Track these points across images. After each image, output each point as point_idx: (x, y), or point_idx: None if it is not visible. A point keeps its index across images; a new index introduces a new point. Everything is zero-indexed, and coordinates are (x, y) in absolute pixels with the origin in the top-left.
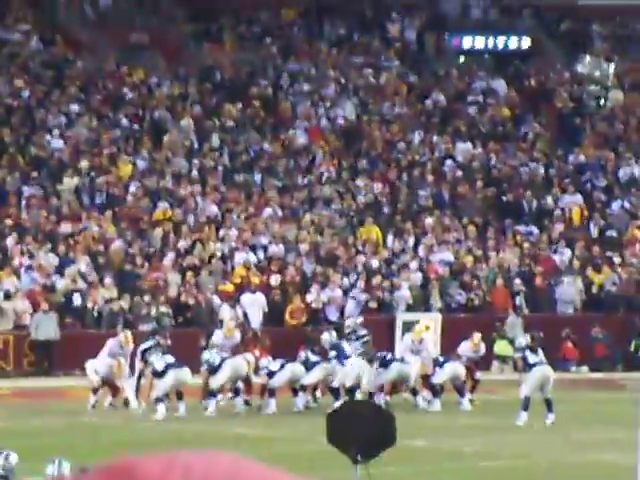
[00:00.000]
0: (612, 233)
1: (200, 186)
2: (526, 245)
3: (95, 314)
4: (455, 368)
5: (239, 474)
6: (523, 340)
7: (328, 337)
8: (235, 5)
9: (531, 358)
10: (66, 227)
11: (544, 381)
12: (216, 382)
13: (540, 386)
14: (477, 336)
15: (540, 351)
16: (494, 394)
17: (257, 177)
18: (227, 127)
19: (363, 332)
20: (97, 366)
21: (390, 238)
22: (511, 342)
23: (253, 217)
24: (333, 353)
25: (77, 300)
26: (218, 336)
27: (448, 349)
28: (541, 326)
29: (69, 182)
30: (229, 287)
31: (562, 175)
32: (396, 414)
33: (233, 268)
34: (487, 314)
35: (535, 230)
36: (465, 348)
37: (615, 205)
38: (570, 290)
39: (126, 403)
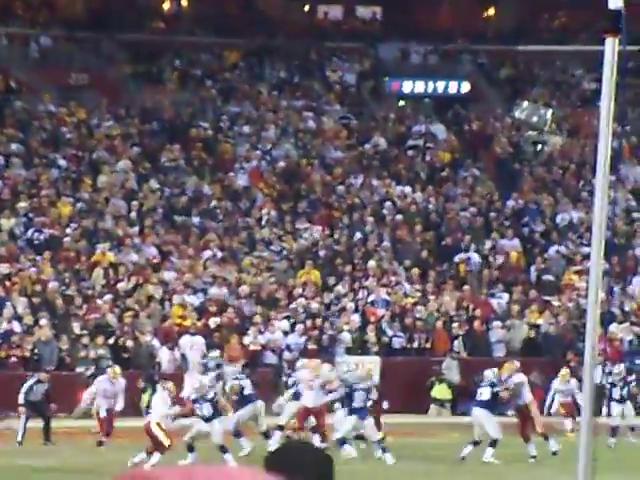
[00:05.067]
0: (549, 277)
1: (139, 227)
2: (465, 289)
3: (33, 355)
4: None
5: None
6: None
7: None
8: (176, 47)
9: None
10: (3, 268)
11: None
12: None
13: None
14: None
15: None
16: (432, 437)
17: (196, 219)
18: (167, 168)
19: None
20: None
21: (330, 280)
22: (449, 385)
23: (192, 259)
24: None
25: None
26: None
27: (387, 392)
28: (479, 370)
29: (6, 223)
30: (168, 329)
31: (500, 220)
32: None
33: (172, 310)
34: (427, 357)
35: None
36: None
37: (552, 250)
38: (508, 334)
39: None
